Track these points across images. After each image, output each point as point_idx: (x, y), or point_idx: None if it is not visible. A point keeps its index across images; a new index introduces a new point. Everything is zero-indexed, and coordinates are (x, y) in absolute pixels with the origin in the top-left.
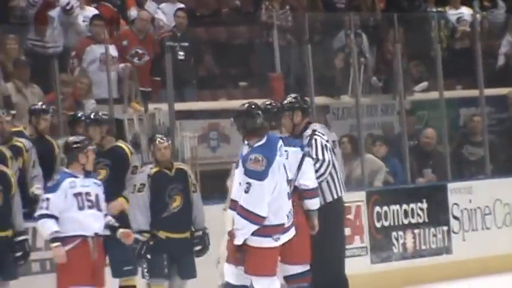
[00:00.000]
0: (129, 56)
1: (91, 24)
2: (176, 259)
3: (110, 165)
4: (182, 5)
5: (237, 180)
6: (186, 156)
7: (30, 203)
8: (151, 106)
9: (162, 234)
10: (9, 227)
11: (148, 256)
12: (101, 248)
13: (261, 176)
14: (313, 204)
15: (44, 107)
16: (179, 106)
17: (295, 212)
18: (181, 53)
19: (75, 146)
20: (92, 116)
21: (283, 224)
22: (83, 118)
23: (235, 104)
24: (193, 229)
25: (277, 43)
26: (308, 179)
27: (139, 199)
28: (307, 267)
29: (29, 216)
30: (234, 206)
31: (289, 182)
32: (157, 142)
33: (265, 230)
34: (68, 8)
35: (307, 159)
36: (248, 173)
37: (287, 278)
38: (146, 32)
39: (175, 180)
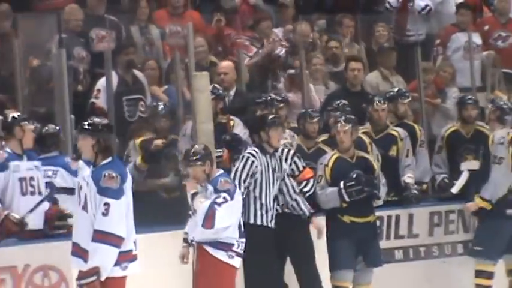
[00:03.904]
0: (492, 40)
1: (457, 12)
2: None
3: None
4: None
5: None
6: None
7: (400, 190)
8: None
9: None
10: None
11: None
12: None
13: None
14: None
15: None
16: None
17: None
18: None
19: None
20: None
21: (131, 251)
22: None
23: None
24: None
25: None
26: None
27: None
28: None
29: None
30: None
31: None
32: None
33: None
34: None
35: None
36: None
37: None
38: (508, 16)
39: None
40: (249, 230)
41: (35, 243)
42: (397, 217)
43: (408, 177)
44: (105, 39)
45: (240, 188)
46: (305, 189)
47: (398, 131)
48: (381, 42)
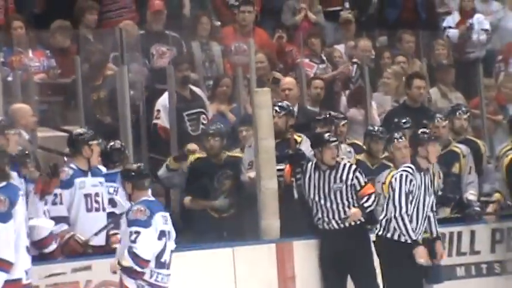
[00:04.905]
0: None
1: None
2: None
3: None
4: None
5: None
6: None
7: (462, 207)
8: None
9: None
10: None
11: None
12: None
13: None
14: None
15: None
16: None
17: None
18: None
19: None
20: None
21: (21, 280)
22: None
23: None
24: None
25: None
26: None
27: None
28: None
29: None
30: None
31: None
32: None
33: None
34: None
35: None
36: None
37: None
38: None
39: None
40: (390, 244)
41: (96, 259)
42: (459, 234)
43: (470, 194)
44: (166, 55)
45: (405, 210)
46: (366, 204)
47: (461, 148)
48: (440, 59)
